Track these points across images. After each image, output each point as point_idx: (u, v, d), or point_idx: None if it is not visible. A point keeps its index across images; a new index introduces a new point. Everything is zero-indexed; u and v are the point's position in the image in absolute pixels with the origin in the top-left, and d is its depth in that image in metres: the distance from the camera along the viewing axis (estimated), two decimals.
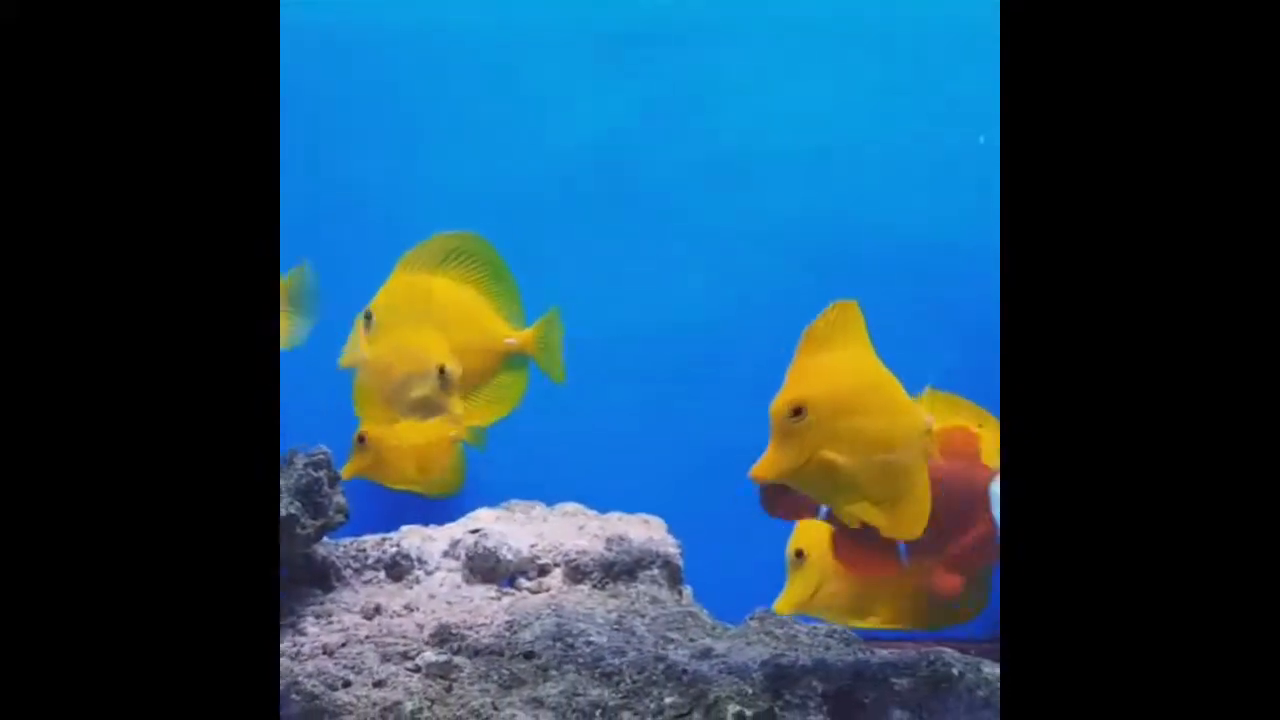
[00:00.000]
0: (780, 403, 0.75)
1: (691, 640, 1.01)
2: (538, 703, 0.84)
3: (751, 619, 1.07)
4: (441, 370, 0.91)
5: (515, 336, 1.00)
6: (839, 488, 0.77)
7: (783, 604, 1.03)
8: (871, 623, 1.04)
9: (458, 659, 0.89)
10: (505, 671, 0.89)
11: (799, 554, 1.02)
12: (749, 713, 0.82)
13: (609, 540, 1.14)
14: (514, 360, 1.00)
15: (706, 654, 0.96)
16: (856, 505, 0.79)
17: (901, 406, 0.81)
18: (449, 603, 1.05)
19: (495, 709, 0.82)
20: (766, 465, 0.75)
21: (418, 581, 1.10)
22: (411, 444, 1.20)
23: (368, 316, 0.94)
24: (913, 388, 0.84)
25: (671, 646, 0.98)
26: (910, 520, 0.81)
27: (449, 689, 0.85)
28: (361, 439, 1.24)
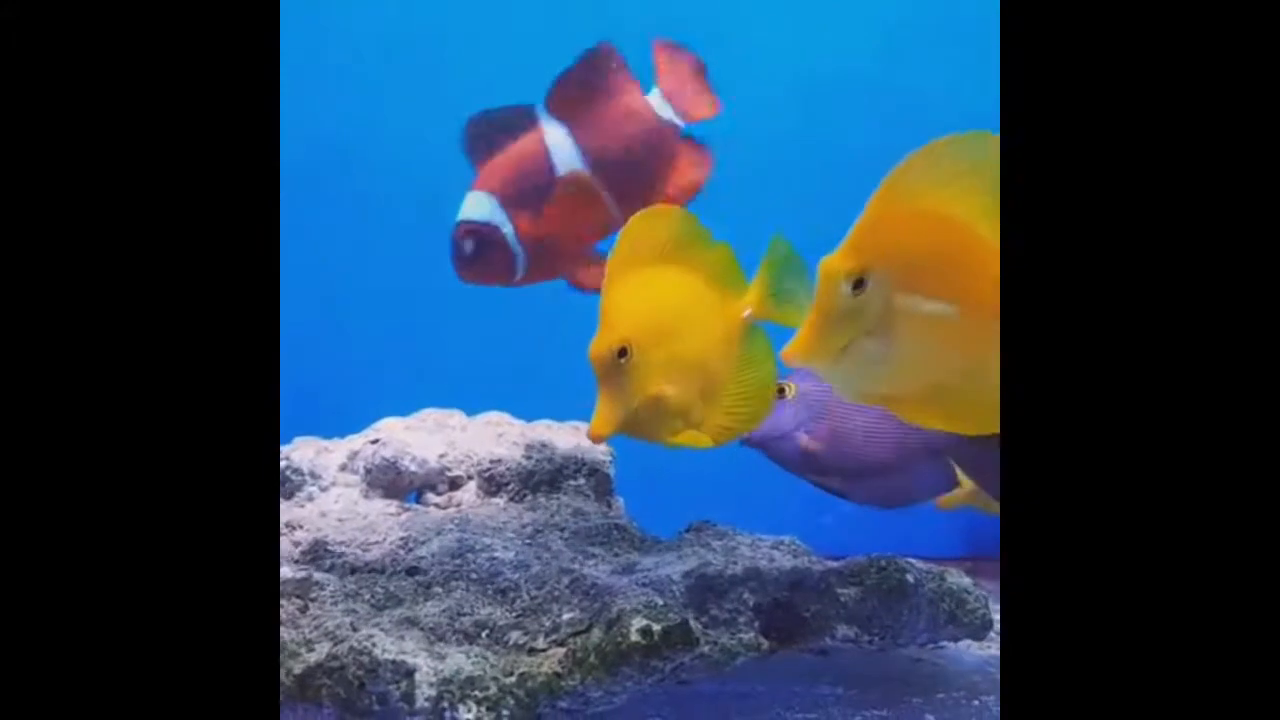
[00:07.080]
0: (601, 347, 0.66)
1: (615, 555, 0.88)
2: (410, 623, 0.71)
3: (687, 531, 0.94)
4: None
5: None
6: (668, 419, 0.69)
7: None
8: None
9: (321, 576, 0.76)
10: (380, 590, 0.75)
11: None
12: (657, 628, 0.68)
13: (529, 448, 1.00)
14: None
15: (629, 569, 0.83)
16: (682, 435, 0.70)
17: (711, 315, 0.71)
18: (340, 520, 0.92)
19: (353, 629, 0.68)
20: (604, 421, 0.66)
21: (310, 499, 0.97)
22: None
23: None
24: None
25: (592, 562, 0.84)
26: (725, 430, 0.72)
27: (304, 609, 0.72)
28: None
